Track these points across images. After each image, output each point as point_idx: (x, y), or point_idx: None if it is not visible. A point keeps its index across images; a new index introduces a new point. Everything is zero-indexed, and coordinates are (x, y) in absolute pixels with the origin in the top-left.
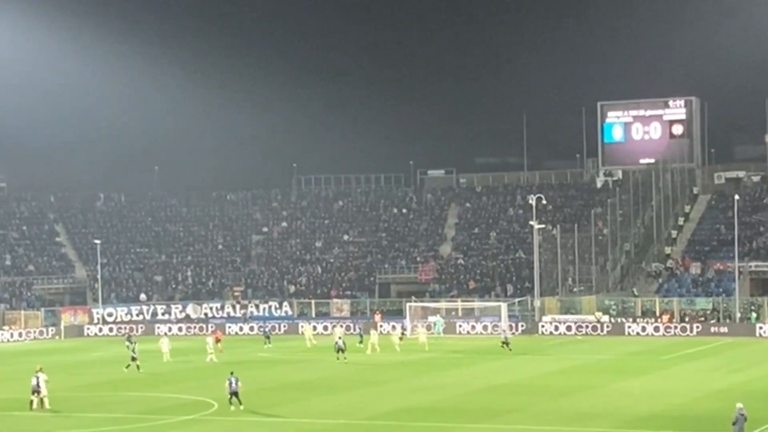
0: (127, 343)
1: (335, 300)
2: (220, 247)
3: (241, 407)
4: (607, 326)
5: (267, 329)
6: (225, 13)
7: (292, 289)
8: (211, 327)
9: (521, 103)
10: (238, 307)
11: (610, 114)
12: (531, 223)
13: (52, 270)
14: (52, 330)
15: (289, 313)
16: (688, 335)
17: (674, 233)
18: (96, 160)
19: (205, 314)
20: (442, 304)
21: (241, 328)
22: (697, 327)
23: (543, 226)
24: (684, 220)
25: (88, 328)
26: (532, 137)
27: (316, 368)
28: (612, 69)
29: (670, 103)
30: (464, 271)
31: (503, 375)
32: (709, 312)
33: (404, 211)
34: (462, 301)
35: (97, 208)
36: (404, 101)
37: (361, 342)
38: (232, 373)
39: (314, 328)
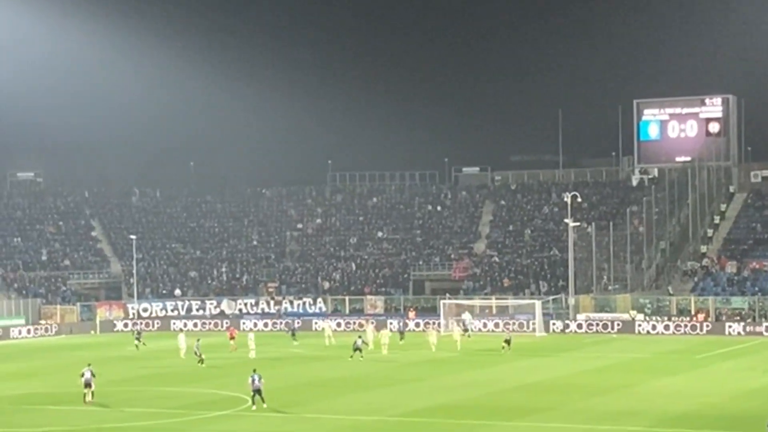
0: (135, 342)
1: (369, 297)
2: (254, 243)
3: (264, 405)
4: (642, 325)
5: (293, 326)
6: (260, 10)
7: (327, 285)
8: (226, 323)
9: (557, 100)
10: (272, 303)
11: (646, 112)
12: (566, 220)
13: (87, 265)
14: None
15: (323, 309)
16: (723, 334)
17: (710, 232)
18: (132, 156)
19: (240, 310)
20: (476, 302)
21: (266, 324)
22: (733, 326)
23: (578, 223)
24: (720, 219)
25: (124, 323)
26: (568, 135)
27: (347, 366)
28: (648, 66)
29: (707, 100)
30: (498, 269)
31: (536, 373)
32: (744, 311)
33: (439, 208)
34: (496, 298)
35: (132, 203)
36: (440, 98)
37: (402, 339)
38: (254, 371)
39: (338, 324)
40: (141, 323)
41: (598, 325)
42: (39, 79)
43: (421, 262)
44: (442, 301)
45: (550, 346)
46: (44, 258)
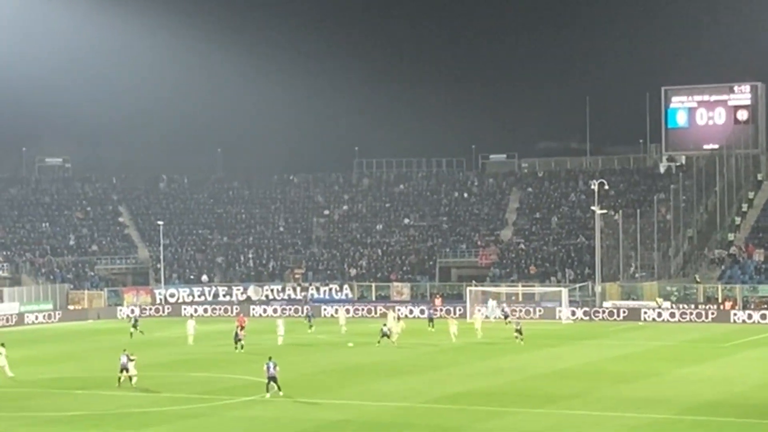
0: (131, 330)
1: (395, 283)
2: (281, 229)
3: (281, 393)
4: (669, 313)
5: (310, 313)
6: None
7: (353, 272)
8: (236, 309)
9: (585, 87)
10: (298, 289)
11: (674, 99)
12: (593, 208)
13: (115, 250)
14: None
15: (350, 295)
16: (750, 322)
17: (738, 220)
18: (160, 142)
19: (266, 296)
20: (503, 289)
21: (284, 310)
22: (760, 314)
23: (605, 211)
24: (748, 207)
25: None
26: (595, 122)
27: (373, 352)
28: (677, 54)
29: (735, 88)
30: (525, 256)
31: (563, 360)
32: None
33: (465, 195)
34: (522, 286)
35: (160, 189)
36: (467, 85)
37: (431, 326)
38: (270, 358)
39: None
40: (137, 311)
41: (624, 312)
42: (67, 66)
43: (447, 249)
44: (468, 288)
45: (576, 334)
46: (72, 243)
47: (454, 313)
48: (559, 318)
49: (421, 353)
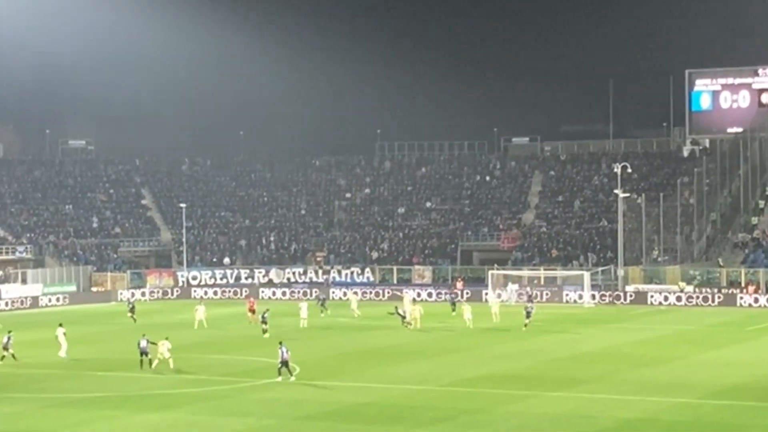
0: (129, 314)
1: (417, 267)
2: (303, 212)
3: (292, 378)
4: (691, 297)
5: (322, 297)
6: None
7: (375, 255)
8: (245, 291)
9: (608, 70)
10: (320, 272)
11: (698, 82)
12: (616, 191)
13: (137, 233)
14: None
15: (371, 279)
16: None
17: (761, 203)
18: (182, 125)
19: (288, 279)
20: (524, 273)
21: (293, 293)
22: None
23: (628, 194)
24: None
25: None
26: (619, 105)
27: (394, 335)
28: (701, 36)
29: (760, 71)
30: (547, 240)
31: (585, 344)
32: None
33: (488, 178)
34: (544, 269)
35: (182, 172)
36: (490, 68)
37: (453, 310)
38: (281, 343)
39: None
40: (133, 297)
41: (647, 296)
42: (90, 49)
43: (469, 233)
44: (490, 272)
45: (598, 317)
46: (95, 226)
47: (471, 297)
48: (581, 301)
49: (440, 337)
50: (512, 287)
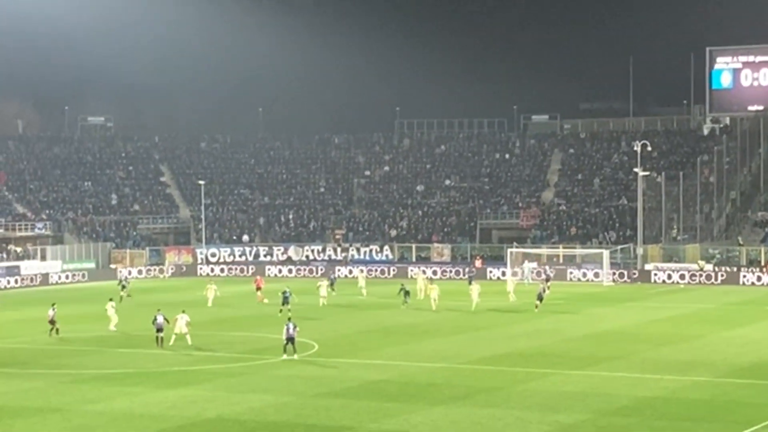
0: (122, 292)
1: (436, 245)
2: (322, 189)
3: (295, 355)
4: (711, 275)
5: (332, 276)
6: None
7: (393, 233)
8: (252, 269)
9: (628, 47)
10: (339, 250)
11: (719, 60)
12: (635, 169)
13: (156, 210)
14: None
15: (390, 256)
16: None
17: None
18: (202, 102)
19: (306, 256)
20: (544, 251)
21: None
22: None
23: (648, 173)
24: None
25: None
26: (639, 83)
27: (412, 314)
28: (722, 13)
29: None
30: (566, 218)
31: (604, 323)
32: None
33: (507, 156)
34: (563, 247)
35: (201, 149)
36: (509, 46)
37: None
38: (289, 319)
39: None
40: (127, 274)
41: (666, 274)
42: (109, 26)
43: (488, 211)
44: (509, 250)
45: (617, 296)
46: (114, 203)
47: (478, 275)
48: (600, 280)
49: (458, 315)
50: (528, 265)
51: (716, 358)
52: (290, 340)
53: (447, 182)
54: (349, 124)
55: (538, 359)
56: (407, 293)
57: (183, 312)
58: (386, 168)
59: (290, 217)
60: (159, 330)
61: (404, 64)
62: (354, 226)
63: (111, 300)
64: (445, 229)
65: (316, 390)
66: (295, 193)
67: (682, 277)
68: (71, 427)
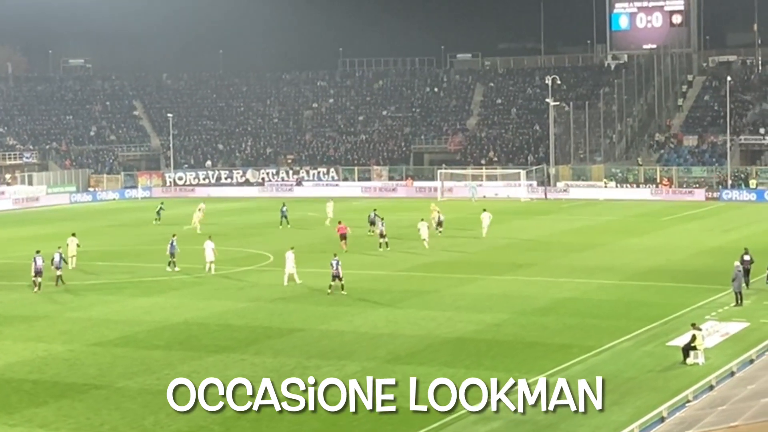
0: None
1: (375, 167)
2: (275, 120)
3: (343, 292)
4: (613, 191)
5: (284, 209)
6: None
7: (338, 157)
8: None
9: None
10: (290, 172)
11: (617, 5)
12: (547, 100)
13: (130, 140)
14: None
15: (336, 178)
16: (685, 199)
17: (672, 110)
18: (169, 44)
19: (263, 179)
20: (469, 171)
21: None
22: (693, 192)
23: (558, 103)
24: (682, 99)
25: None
26: (549, 25)
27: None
28: None
29: None
30: (488, 143)
31: (522, 233)
32: (703, 179)
33: (436, 89)
34: (486, 168)
35: (169, 86)
36: None
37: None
38: (335, 255)
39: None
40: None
41: (575, 190)
42: None
43: (421, 137)
44: (438, 171)
45: (533, 210)
46: (93, 134)
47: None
48: (518, 196)
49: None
50: (473, 184)
51: (619, 264)
52: (335, 277)
53: (384, 113)
54: (298, 63)
55: (466, 266)
56: (373, 223)
57: (209, 238)
58: (331, 101)
59: (248, 144)
60: (172, 255)
61: (346, 8)
62: (304, 151)
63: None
64: (384, 154)
65: (271, 296)
66: (251, 123)
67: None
68: (55, 332)
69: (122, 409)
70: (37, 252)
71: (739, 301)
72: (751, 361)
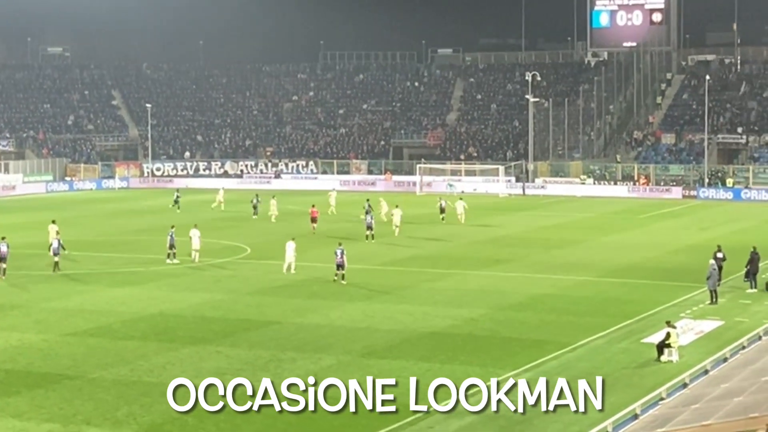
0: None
1: (354, 161)
2: (255, 112)
3: (344, 282)
4: (591, 187)
5: (255, 201)
6: None
7: (317, 150)
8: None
9: None
10: (269, 165)
11: (598, 3)
12: (527, 96)
13: (108, 129)
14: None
15: (315, 171)
16: (662, 197)
17: (651, 108)
18: (149, 34)
19: (241, 171)
20: (448, 166)
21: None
22: (671, 190)
23: (537, 99)
24: (661, 98)
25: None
26: (530, 21)
27: (331, 219)
28: None
29: None
30: (467, 138)
31: (502, 229)
32: (681, 177)
33: (416, 84)
34: (465, 163)
35: (148, 75)
36: None
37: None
38: (339, 244)
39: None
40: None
41: (553, 187)
42: None
43: (401, 131)
44: (417, 165)
45: (512, 206)
46: (70, 123)
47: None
48: (497, 192)
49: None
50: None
51: (596, 260)
52: (339, 266)
53: (364, 106)
54: (279, 56)
55: (443, 261)
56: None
57: (195, 227)
58: (311, 93)
59: (227, 136)
60: (171, 246)
61: (328, 1)
62: (283, 143)
63: (53, 222)
64: (364, 147)
65: (248, 288)
66: (231, 115)
67: (567, 189)
68: (30, 321)
69: (96, 400)
70: (2, 238)
71: (714, 300)
72: (725, 360)
